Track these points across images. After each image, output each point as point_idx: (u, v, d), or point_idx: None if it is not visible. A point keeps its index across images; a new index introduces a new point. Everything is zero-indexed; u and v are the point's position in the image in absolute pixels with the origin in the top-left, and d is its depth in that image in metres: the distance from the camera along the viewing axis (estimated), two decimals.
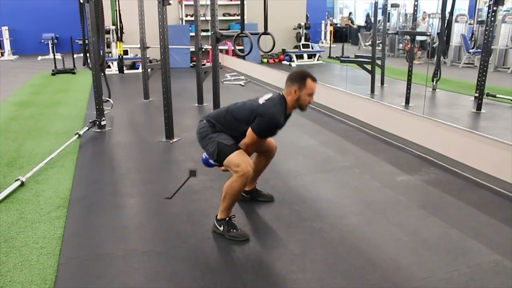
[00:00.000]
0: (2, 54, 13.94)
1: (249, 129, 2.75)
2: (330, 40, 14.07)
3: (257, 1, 5.14)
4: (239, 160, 2.69)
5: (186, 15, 11.40)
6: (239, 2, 11.09)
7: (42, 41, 12.79)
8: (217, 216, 2.85)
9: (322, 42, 15.74)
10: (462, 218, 3.10)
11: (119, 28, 6.26)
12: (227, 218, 2.81)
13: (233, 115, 2.85)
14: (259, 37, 4.59)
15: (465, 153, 3.96)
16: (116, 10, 5.98)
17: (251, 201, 3.32)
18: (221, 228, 2.81)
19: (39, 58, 13.15)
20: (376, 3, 7.22)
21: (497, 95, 6.69)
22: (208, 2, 5.19)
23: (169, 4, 4.44)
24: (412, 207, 3.26)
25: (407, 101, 6.44)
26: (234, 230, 2.79)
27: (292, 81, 2.82)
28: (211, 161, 2.87)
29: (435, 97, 7.42)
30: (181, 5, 11.44)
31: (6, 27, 13.62)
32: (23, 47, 14.39)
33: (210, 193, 3.45)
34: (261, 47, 4.81)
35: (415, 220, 3.04)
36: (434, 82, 7.33)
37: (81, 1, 4.84)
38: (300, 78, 2.81)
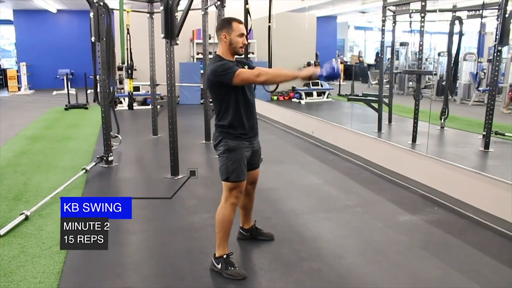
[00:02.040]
0: (19, 89, 14.34)
1: (230, 81, 2.68)
2: (340, 78, 14.22)
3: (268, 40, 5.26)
4: (235, 187, 2.79)
5: (198, 53, 11.67)
6: (249, 41, 11.35)
7: (58, 76, 13.15)
8: (215, 254, 2.85)
9: (333, 80, 15.89)
10: (463, 259, 3.06)
11: (129, 66, 6.44)
12: (225, 256, 2.81)
13: (216, 109, 2.87)
14: None
15: (469, 193, 3.93)
16: (126, 49, 6.17)
17: (251, 239, 3.31)
18: (219, 266, 2.81)
19: (54, 93, 13.49)
20: (382, 41, 7.33)
21: (506, 134, 6.65)
22: (217, 41, 5.32)
23: (177, 44, 4.59)
24: (413, 248, 3.23)
25: (414, 140, 6.42)
26: (232, 268, 2.78)
27: (219, 29, 2.83)
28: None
29: (443, 135, 7.39)
30: (193, 43, 11.74)
31: (24, 63, 14.06)
32: (39, 82, 14.79)
33: (210, 231, 3.43)
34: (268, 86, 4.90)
35: (415, 261, 3.01)
36: (442, 120, 7.33)
37: (93, 40, 5.01)
38: (226, 22, 2.83)
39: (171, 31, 4.51)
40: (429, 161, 4.51)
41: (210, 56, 6.28)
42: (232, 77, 2.67)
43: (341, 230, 3.58)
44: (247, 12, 4.53)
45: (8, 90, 14.61)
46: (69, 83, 11.45)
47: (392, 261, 3.00)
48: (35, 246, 3.23)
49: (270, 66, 4.49)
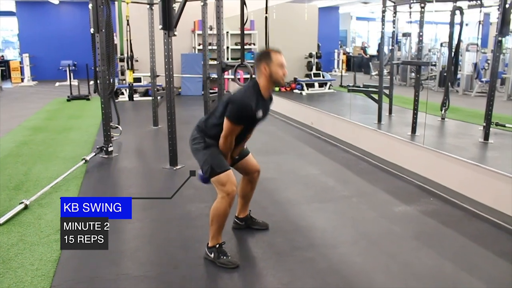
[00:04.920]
0: (22, 80, 14.40)
1: (225, 119, 2.75)
2: (342, 69, 14.19)
3: (269, 31, 5.25)
4: (226, 180, 2.78)
5: (199, 44, 11.65)
6: (251, 32, 11.32)
7: (61, 67, 13.18)
8: (208, 243, 2.89)
9: (335, 71, 15.87)
10: (456, 250, 3.08)
11: (129, 57, 6.46)
12: (218, 245, 2.85)
13: (214, 115, 2.89)
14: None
15: (465, 184, 3.95)
16: (126, 40, 6.19)
17: (245, 228, 3.35)
18: (212, 255, 2.85)
19: (57, 84, 13.53)
20: (382, 32, 7.31)
21: (507, 125, 6.63)
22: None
23: (175, 35, 4.60)
24: (406, 238, 3.26)
25: (413, 131, 6.42)
26: (224, 257, 2.82)
27: (259, 61, 2.84)
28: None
29: (444, 127, 7.38)
30: (194, 34, 11.73)
31: (27, 54, 14.11)
32: (42, 73, 14.84)
33: (206, 220, 3.44)
34: None
35: (408, 251, 3.04)
36: (443, 111, 7.32)
37: (92, 31, 5.03)
38: (265, 54, 2.84)
39: (169, 22, 4.52)
40: (425, 152, 4.52)
41: (210, 47, 6.28)
42: (228, 119, 2.72)
43: (335, 220, 3.61)
44: (243, 3, 4.54)
45: (11, 82, 14.67)
46: (71, 74, 11.48)
47: (384, 251, 3.03)
48: (33, 235, 3.28)
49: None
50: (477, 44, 11.15)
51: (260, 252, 3.02)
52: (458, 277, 2.72)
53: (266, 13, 4.61)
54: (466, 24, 10.10)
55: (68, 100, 10.37)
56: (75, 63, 14.01)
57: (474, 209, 3.75)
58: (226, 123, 2.75)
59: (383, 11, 7.14)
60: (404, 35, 13.08)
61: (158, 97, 7.40)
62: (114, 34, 5.76)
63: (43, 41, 15.16)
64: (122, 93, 10.30)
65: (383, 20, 7.25)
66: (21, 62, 14.67)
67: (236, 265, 2.80)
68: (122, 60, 10.03)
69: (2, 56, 16.38)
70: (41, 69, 14.88)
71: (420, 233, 3.34)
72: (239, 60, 5.02)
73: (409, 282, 2.66)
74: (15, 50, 17.55)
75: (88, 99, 10.44)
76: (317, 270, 2.77)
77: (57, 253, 2.99)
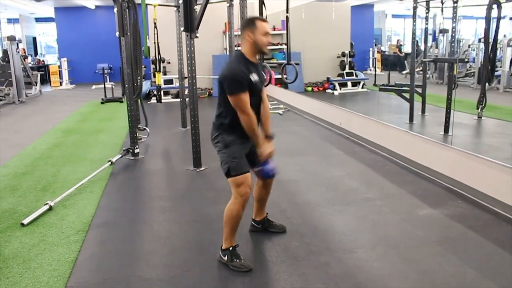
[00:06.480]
0: (61, 84, 14.88)
1: (228, 97, 2.68)
2: (375, 67, 13.89)
3: (300, 30, 5.19)
4: (241, 182, 2.74)
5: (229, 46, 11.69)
6: (282, 32, 11.25)
7: (97, 71, 13.50)
8: (222, 245, 2.87)
9: (370, 70, 15.57)
10: (481, 257, 2.92)
11: (157, 59, 6.53)
12: (231, 248, 2.83)
13: (219, 105, 2.84)
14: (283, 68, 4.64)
15: (497, 186, 3.74)
16: (154, 42, 6.26)
17: (262, 231, 3.30)
18: (225, 258, 2.83)
19: (93, 87, 13.89)
20: (413, 29, 7.10)
21: None
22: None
23: (196, 37, 4.60)
24: (429, 243, 3.11)
25: (446, 130, 6.20)
26: (238, 260, 2.79)
27: (244, 29, 2.79)
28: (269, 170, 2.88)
29: (480, 126, 7.10)
30: (225, 36, 11.77)
31: (65, 58, 14.58)
32: (79, 77, 15.30)
33: None
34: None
35: (428, 257, 2.90)
36: (479, 109, 7.04)
37: (117, 35, 5.11)
38: (250, 22, 2.79)
39: (191, 24, 4.53)
40: (456, 153, 4.33)
41: (237, 48, 6.27)
42: (231, 94, 2.66)
43: (356, 223, 3.50)
44: (261, 3, 4.49)
45: (50, 85, 15.18)
46: (107, 77, 11.74)
47: (404, 257, 2.91)
48: (54, 235, 3.35)
49: (289, 58, 4.44)
50: None
51: (275, 256, 2.96)
52: (480, 286, 2.57)
53: (287, 12, 4.55)
54: (510, 18, 9.68)
55: (102, 103, 10.63)
56: (111, 66, 14.34)
57: (505, 213, 3.55)
58: (232, 99, 2.68)
59: (414, 7, 6.95)
60: (442, 31, 12.67)
61: (187, 99, 7.45)
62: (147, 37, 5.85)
63: (80, 45, 15.62)
64: (155, 95, 10.45)
65: (414, 16, 7.06)
66: (59, 66, 15.17)
67: (249, 268, 2.76)
68: (154, 62, 10.19)
69: (43, 61, 16.98)
70: (79, 73, 15.35)
71: (444, 238, 3.19)
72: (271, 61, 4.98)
73: None
74: (55, 55, 18.17)
75: (121, 102, 10.64)
76: (331, 275, 2.69)
77: (75, 254, 3.04)
